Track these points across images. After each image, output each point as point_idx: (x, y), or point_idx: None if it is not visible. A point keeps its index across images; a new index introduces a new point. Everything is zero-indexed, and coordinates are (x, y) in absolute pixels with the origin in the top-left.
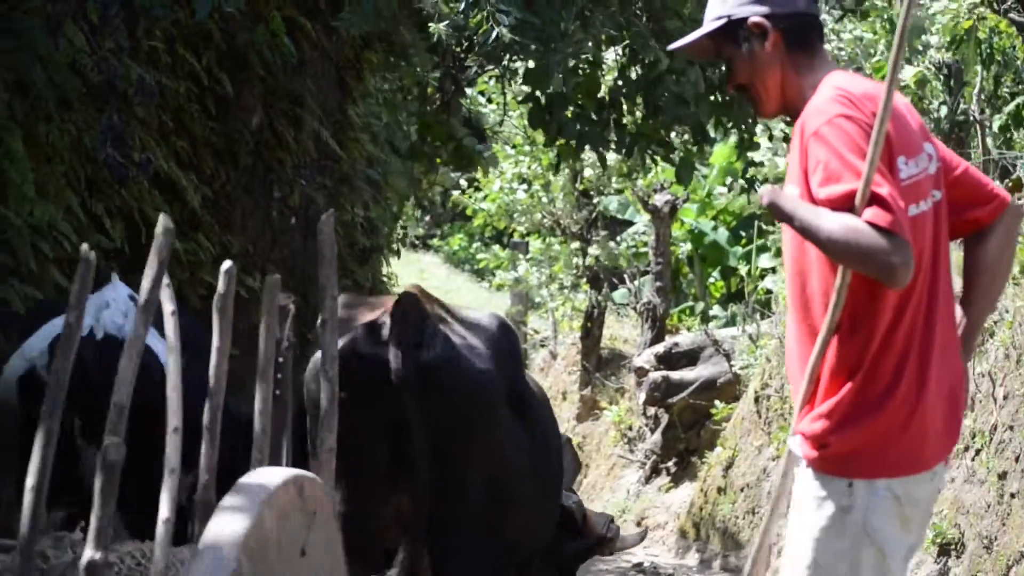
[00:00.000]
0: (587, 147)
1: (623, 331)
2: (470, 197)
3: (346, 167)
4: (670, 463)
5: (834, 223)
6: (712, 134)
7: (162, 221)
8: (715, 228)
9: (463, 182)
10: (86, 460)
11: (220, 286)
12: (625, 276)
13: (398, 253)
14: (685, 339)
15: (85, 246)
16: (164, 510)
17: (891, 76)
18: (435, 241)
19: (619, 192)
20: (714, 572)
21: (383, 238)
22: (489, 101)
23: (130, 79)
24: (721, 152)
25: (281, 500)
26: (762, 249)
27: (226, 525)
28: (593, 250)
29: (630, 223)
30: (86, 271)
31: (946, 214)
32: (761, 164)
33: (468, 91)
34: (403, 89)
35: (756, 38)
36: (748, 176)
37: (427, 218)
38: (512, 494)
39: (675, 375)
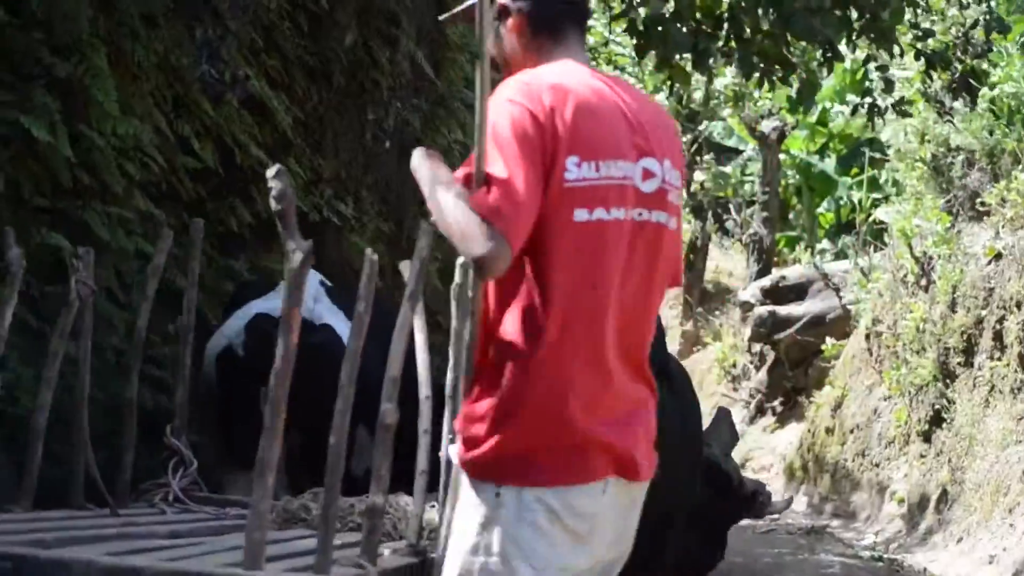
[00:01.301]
0: (698, 68)
1: (728, 263)
2: None
3: (442, 88)
4: (776, 402)
5: (445, 197)
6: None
7: (423, 227)
8: (823, 157)
9: None
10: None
11: (457, 277)
12: (731, 206)
13: None
14: (793, 272)
15: (369, 250)
16: (421, 463)
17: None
18: None
19: (724, 119)
20: (823, 517)
21: None
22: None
23: None
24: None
25: None
26: (873, 179)
27: None
28: (698, 176)
29: (736, 151)
30: (371, 271)
31: (669, 243)
32: (888, 83)
33: None
34: None
35: (503, 18)
36: (872, 95)
37: None
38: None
39: (782, 310)
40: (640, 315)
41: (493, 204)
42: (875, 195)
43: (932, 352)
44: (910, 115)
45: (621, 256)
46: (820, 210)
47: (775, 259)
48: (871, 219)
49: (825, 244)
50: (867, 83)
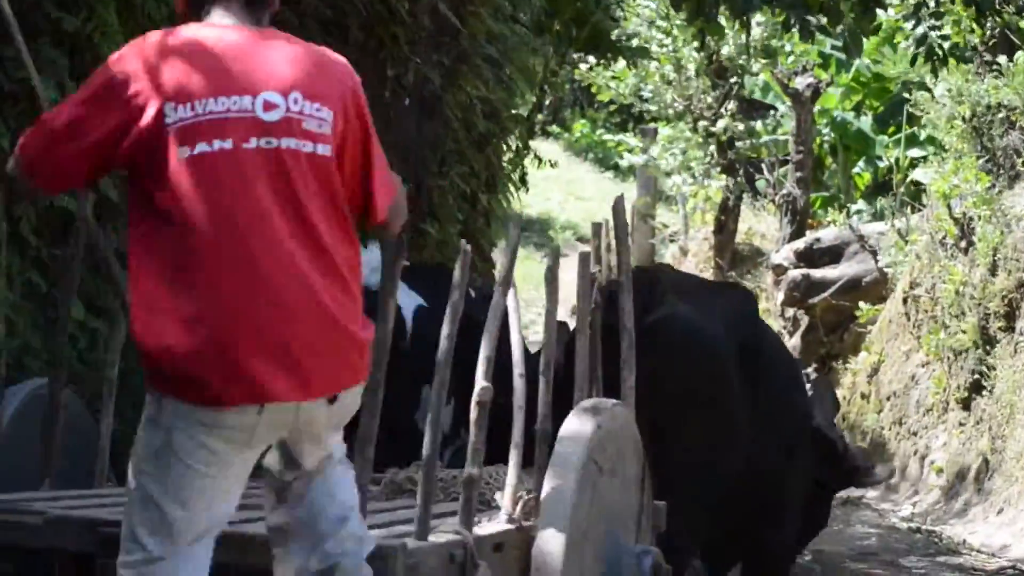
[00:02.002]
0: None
1: (760, 225)
2: (597, 75)
3: (465, 43)
4: (810, 369)
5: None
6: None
7: (512, 220)
8: (859, 115)
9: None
10: None
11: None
12: (763, 165)
13: (524, 141)
14: (828, 234)
15: (463, 241)
16: (516, 436)
17: None
18: (553, 128)
19: (757, 74)
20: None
21: (504, 122)
22: None
23: None
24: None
25: (612, 421)
26: (911, 138)
27: (576, 431)
28: (727, 128)
29: (769, 107)
30: (465, 262)
31: (321, 167)
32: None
33: None
34: None
35: None
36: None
37: (547, 102)
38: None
39: (816, 273)
40: (299, 232)
41: (23, 140)
42: (913, 154)
43: (972, 316)
44: (967, 60)
45: (249, 178)
46: (856, 170)
47: (809, 220)
48: (909, 179)
49: (861, 205)
50: (919, 27)
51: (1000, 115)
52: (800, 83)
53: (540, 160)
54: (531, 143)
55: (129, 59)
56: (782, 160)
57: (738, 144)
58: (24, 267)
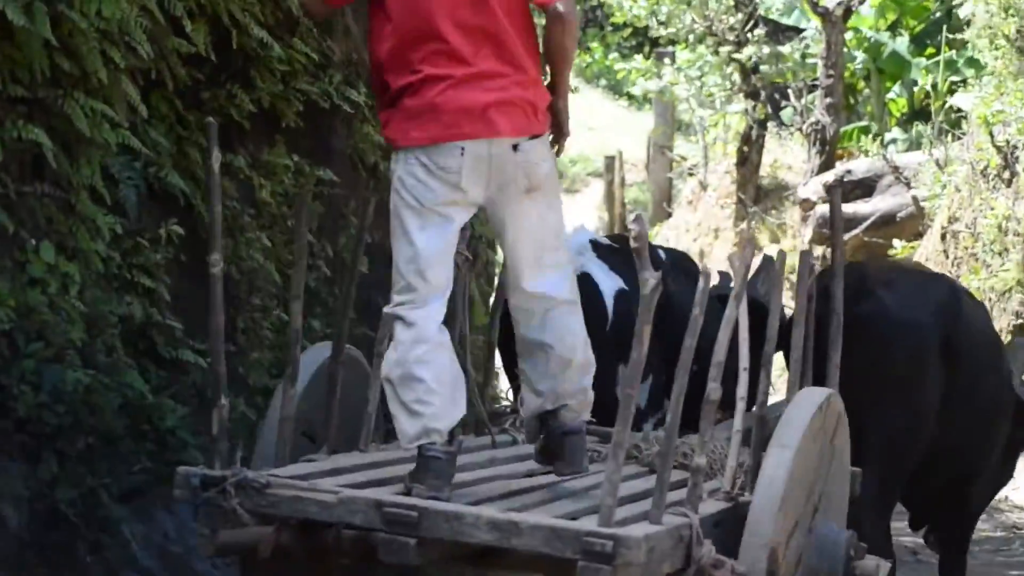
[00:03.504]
0: None
1: (786, 157)
2: None
3: None
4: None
5: None
6: None
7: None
8: (894, 36)
9: None
10: None
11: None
12: (790, 91)
13: None
14: (860, 165)
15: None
16: (737, 423)
17: None
18: None
19: None
20: None
21: None
22: None
23: None
24: None
25: (831, 408)
26: (951, 60)
27: (799, 415)
28: (752, 55)
29: (797, 29)
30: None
31: None
32: None
33: None
34: None
35: None
36: None
37: None
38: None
39: (848, 208)
40: (499, 37)
41: None
42: (953, 78)
43: (1016, 253)
44: None
45: None
46: (890, 95)
47: (839, 151)
48: (948, 105)
49: (896, 133)
50: None
51: None
52: (830, 1)
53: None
54: None
55: None
56: (810, 86)
57: (763, 68)
58: None
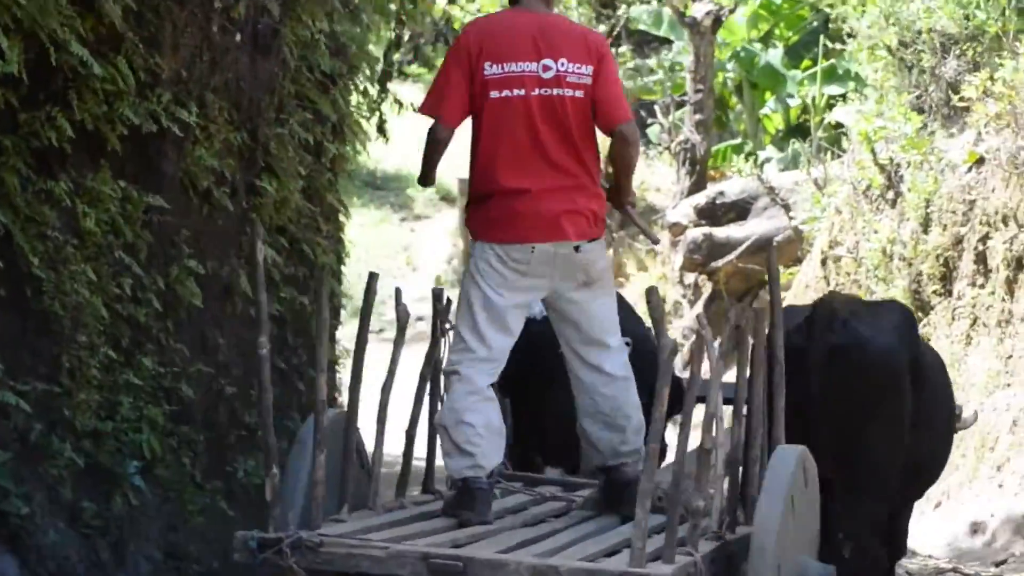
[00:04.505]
0: None
1: (654, 178)
2: (462, 8)
3: None
4: (716, 343)
5: None
6: None
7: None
8: (767, 47)
9: None
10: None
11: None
12: (656, 108)
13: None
14: (733, 187)
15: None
16: (720, 468)
17: None
18: (413, 68)
19: (648, 1)
20: None
21: (354, 60)
22: None
23: None
24: None
25: (806, 456)
26: (829, 72)
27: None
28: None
29: (668, 40)
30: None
31: (577, 104)
32: None
33: None
34: None
35: None
36: None
37: (406, 38)
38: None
39: (720, 232)
40: (559, 153)
41: (421, 105)
42: (831, 91)
43: (902, 279)
44: None
45: (534, 114)
46: (765, 111)
47: (711, 171)
48: (826, 121)
49: (771, 151)
50: None
51: (932, 43)
52: (698, 10)
53: (400, 105)
54: (389, 86)
55: (467, 34)
56: (678, 102)
57: (627, 84)
58: None
